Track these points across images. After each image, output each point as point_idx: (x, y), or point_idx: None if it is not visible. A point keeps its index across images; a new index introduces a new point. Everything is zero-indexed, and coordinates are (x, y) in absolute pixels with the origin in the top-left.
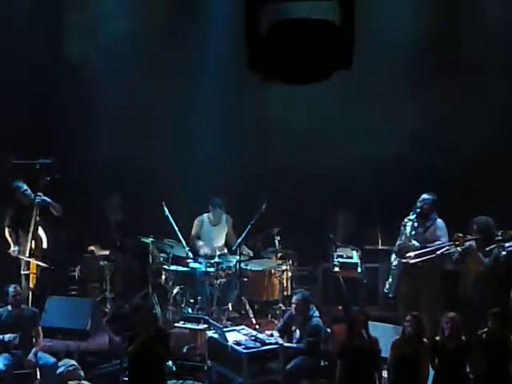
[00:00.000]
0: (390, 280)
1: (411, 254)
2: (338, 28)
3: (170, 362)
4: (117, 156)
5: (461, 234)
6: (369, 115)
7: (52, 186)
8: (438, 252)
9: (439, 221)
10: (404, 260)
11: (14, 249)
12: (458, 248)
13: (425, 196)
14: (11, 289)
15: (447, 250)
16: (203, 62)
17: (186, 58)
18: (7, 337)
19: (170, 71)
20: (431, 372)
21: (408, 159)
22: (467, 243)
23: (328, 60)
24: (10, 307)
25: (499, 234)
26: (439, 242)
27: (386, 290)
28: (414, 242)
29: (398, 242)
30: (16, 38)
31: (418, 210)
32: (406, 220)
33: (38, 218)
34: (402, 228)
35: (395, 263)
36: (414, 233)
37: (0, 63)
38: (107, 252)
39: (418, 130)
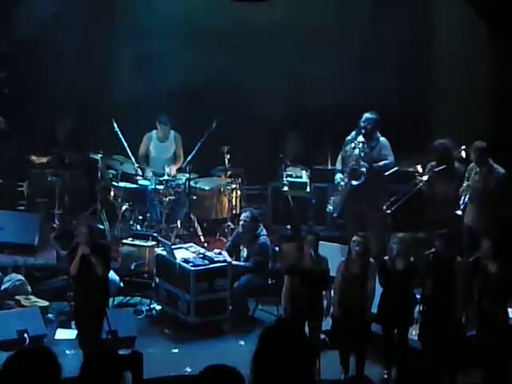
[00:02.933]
0: (333, 199)
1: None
2: None
3: (117, 278)
4: (68, 74)
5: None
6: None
7: (1, 100)
8: (386, 173)
9: (383, 139)
10: (355, 182)
11: None
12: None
13: (368, 115)
14: None
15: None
16: None
17: None
18: None
19: None
20: (378, 291)
21: (359, 81)
22: (428, 166)
23: None
24: None
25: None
26: (387, 162)
27: (328, 210)
28: (363, 163)
29: (344, 161)
30: None
31: (363, 131)
32: (349, 140)
33: None
34: (348, 148)
35: (342, 183)
36: (363, 154)
37: None
38: (44, 160)
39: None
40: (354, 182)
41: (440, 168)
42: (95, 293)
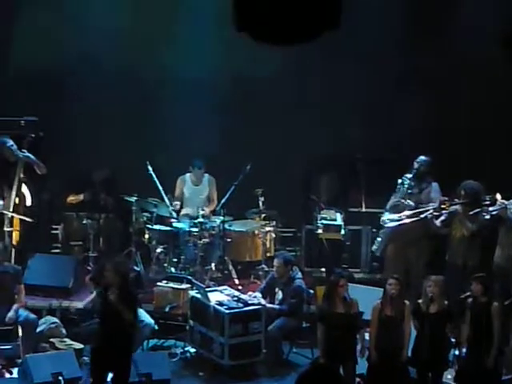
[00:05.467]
0: (379, 239)
1: (406, 213)
2: None
3: (152, 321)
4: (102, 117)
5: (447, 198)
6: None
7: (36, 144)
8: (427, 214)
9: (435, 184)
10: (397, 216)
11: None
12: (444, 211)
13: (422, 157)
14: None
15: (434, 212)
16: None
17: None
18: None
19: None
20: (413, 334)
21: (394, 123)
22: (453, 207)
23: (316, 20)
24: None
25: (487, 198)
26: (435, 205)
27: (373, 249)
28: (409, 202)
29: (393, 199)
30: None
31: (415, 171)
32: (403, 178)
33: (22, 175)
34: (399, 186)
35: (387, 221)
36: (410, 191)
37: None
38: (81, 197)
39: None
40: (387, 224)
41: (474, 211)
42: (120, 336)
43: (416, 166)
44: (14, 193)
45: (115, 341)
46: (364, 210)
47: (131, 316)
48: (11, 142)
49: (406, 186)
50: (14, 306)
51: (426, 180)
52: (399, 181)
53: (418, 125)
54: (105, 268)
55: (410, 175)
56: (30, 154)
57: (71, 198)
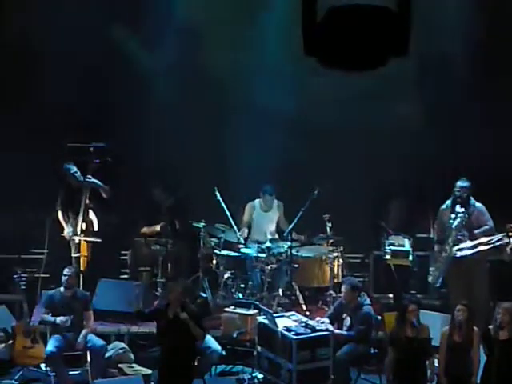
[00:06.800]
0: (433, 269)
1: (482, 240)
2: (395, 14)
3: (219, 347)
4: (169, 142)
5: None
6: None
7: (104, 170)
8: (501, 242)
9: (479, 205)
10: (457, 249)
11: (68, 230)
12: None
13: (460, 184)
14: (66, 270)
15: (499, 240)
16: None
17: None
18: (59, 319)
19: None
20: (482, 360)
21: (459, 148)
22: None
23: (385, 46)
24: (62, 289)
25: None
26: (487, 227)
27: (430, 280)
28: (464, 232)
29: (450, 237)
30: (70, 25)
31: (459, 200)
32: (444, 209)
33: (88, 201)
34: (446, 219)
35: (444, 255)
36: (464, 223)
37: (59, 47)
38: (157, 228)
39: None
40: (459, 254)
41: None
42: (180, 359)
43: (458, 194)
44: (80, 219)
45: (178, 366)
46: (432, 235)
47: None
48: (75, 169)
49: (460, 218)
50: (83, 332)
51: (469, 204)
52: (451, 215)
53: (488, 150)
54: (170, 289)
55: (461, 208)
56: (95, 180)
57: (145, 230)
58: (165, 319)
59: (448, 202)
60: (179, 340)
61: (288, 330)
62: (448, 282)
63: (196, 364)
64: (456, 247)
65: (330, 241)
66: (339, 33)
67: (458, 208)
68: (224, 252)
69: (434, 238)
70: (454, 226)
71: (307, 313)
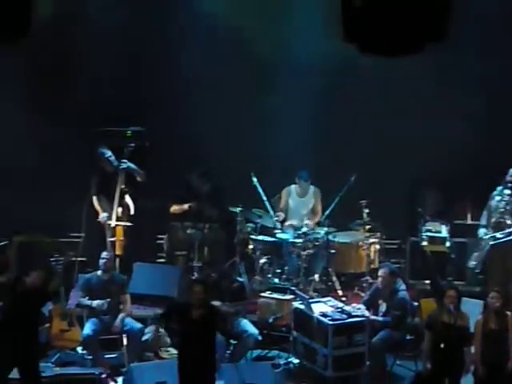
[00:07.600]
0: (476, 254)
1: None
2: None
3: (256, 331)
4: (207, 127)
5: None
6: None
7: (139, 154)
8: None
9: None
10: (499, 235)
11: (103, 215)
12: None
13: None
14: (104, 254)
15: None
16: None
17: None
18: (96, 303)
19: (259, 54)
20: None
21: (498, 135)
22: None
23: (423, 31)
24: (99, 272)
25: None
26: None
27: (471, 266)
28: (510, 217)
29: (487, 214)
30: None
31: (510, 185)
32: (495, 194)
33: (123, 186)
34: (493, 202)
35: (485, 238)
36: (509, 207)
37: (99, 35)
38: (185, 206)
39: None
40: (499, 235)
41: None
42: (201, 354)
43: (510, 178)
44: (116, 203)
45: (199, 357)
46: (469, 222)
47: (212, 334)
48: (109, 153)
49: (505, 202)
50: (120, 316)
51: None
52: (497, 198)
53: None
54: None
55: (508, 191)
56: (130, 164)
57: (175, 208)
58: (188, 320)
59: (499, 187)
60: (201, 341)
61: (324, 315)
62: (488, 268)
63: (232, 348)
64: (500, 232)
65: (367, 227)
66: (379, 18)
67: (507, 191)
68: (260, 237)
69: (481, 223)
70: (499, 208)
71: (343, 298)
